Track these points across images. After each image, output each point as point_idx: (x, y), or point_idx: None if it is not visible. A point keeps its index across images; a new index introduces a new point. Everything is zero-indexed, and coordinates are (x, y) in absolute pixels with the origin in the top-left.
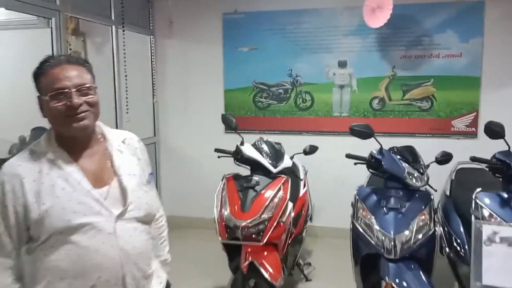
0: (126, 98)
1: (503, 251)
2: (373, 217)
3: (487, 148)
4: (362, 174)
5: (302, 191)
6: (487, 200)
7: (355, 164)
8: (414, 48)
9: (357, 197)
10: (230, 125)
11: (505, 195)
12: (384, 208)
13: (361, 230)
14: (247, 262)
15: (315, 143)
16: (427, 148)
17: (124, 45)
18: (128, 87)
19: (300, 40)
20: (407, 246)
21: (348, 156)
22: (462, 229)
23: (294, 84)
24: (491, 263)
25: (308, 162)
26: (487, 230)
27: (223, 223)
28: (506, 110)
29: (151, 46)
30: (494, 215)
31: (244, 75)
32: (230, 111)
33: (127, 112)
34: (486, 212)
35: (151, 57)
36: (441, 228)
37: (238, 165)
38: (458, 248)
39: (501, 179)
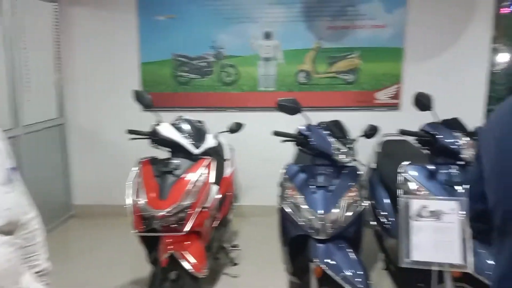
0: (27, 74)
1: (432, 225)
2: (301, 196)
3: (410, 119)
4: (291, 150)
5: (228, 172)
6: (414, 173)
7: (283, 141)
8: (340, 19)
9: (284, 175)
10: (144, 103)
11: (432, 168)
12: (313, 186)
13: (288, 211)
14: (166, 255)
15: (241, 120)
16: (353, 121)
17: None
18: (28, 62)
19: (223, 9)
20: (337, 225)
21: (276, 133)
22: (387, 202)
23: (217, 57)
24: (420, 238)
25: (234, 140)
26: (415, 204)
27: (138, 213)
28: (427, 82)
29: (55, 15)
30: (422, 188)
31: (163, 47)
32: (147, 87)
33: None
34: (413, 185)
35: (55, 27)
36: (367, 202)
37: (156, 147)
38: (384, 221)
39: (428, 151)
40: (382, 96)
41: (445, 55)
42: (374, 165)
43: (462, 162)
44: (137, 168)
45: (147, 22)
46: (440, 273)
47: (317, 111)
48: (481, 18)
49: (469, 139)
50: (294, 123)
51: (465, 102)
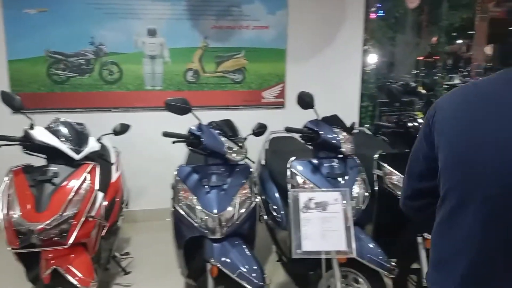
0: None
1: (318, 216)
2: (195, 197)
3: (295, 117)
4: (183, 151)
5: (114, 177)
6: (300, 168)
7: (173, 142)
8: (224, 19)
9: (177, 177)
10: (12, 105)
11: (316, 162)
12: (206, 187)
13: (182, 213)
14: (48, 271)
15: (127, 121)
16: (242, 120)
17: None
18: None
19: (102, 4)
20: (232, 223)
21: (165, 134)
22: (278, 196)
23: (97, 54)
24: (308, 229)
25: (120, 142)
26: (303, 197)
27: (13, 228)
28: (308, 81)
29: None
30: (308, 181)
31: (34, 43)
32: (16, 87)
33: None
34: (300, 179)
35: None
36: (258, 197)
37: (29, 154)
38: (275, 214)
39: (312, 146)
40: (269, 95)
41: (323, 55)
42: (263, 162)
43: (342, 155)
44: (7, 179)
45: (14, 15)
46: (328, 261)
47: (208, 111)
48: (354, 22)
49: (347, 134)
50: (185, 123)
51: (342, 99)
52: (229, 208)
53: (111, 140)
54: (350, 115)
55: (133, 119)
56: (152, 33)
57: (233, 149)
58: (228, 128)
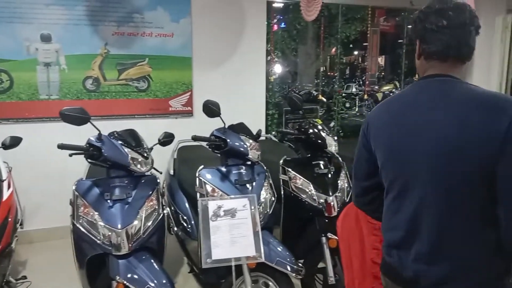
0: None
1: (227, 223)
2: (96, 213)
3: (203, 125)
4: (83, 164)
5: (6, 194)
6: (209, 176)
7: (70, 155)
8: (126, 25)
9: (76, 192)
10: None
11: (224, 169)
12: (109, 201)
13: (83, 230)
14: None
15: (19, 134)
16: (149, 129)
17: None
18: None
19: None
20: (138, 238)
21: (61, 146)
22: (187, 206)
23: None
24: (218, 237)
25: (11, 157)
26: (212, 206)
27: None
28: (215, 90)
29: None
30: (217, 189)
31: None
32: None
33: None
34: (209, 188)
35: None
36: (168, 208)
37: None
38: (185, 225)
39: (219, 154)
40: (176, 103)
41: (229, 64)
42: (172, 172)
43: (249, 162)
44: None
45: None
46: (238, 267)
47: (111, 120)
48: (257, 32)
49: (253, 141)
50: (87, 134)
51: (249, 107)
52: (135, 222)
53: (1, 155)
54: (257, 122)
55: (26, 131)
56: (46, 39)
57: (138, 160)
58: (131, 138)
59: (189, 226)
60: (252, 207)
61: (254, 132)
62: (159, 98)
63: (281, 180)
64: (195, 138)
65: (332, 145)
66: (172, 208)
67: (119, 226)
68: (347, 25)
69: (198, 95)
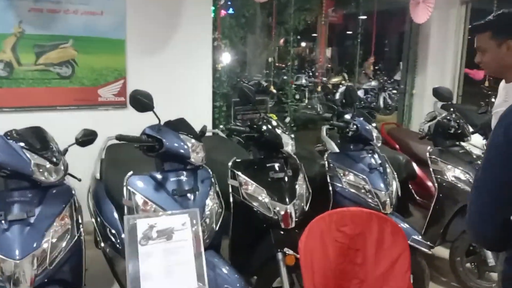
0: None
1: (162, 248)
2: None
3: (139, 118)
4: None
5: None
6: (140, 185)
7: None
8: (45, 0)
9: None
10: None
11: (159, 176)
12: (4, 222)
13: None
14: None
15: None
16: (74, 123)
17: None
18: None
19: None
20: (44, 269)
21: None
22: (116, 217)
23: None
24: (149, 266)
25: None
26: (142, 225)
27: None
28: (152, 77)
29: None
30: (149, 202)
31: None
32: None
33: None
34: (139, 200)
35: None
36: (93, 220)
37: None
38: (114, 240)
39: (154, 157)
40: (107, 93)
41: (170, 49)
42: (98, 175)
43: (192, 166)
44: None
45: None
46: None
47: (26, 112)
48: (202, 16)
49: (196, 141)
50: None
51: (193, 99)
52: (39, 249)
53: None
54: (203, 116)
55: None
56: None
57: (45, 166)
58: (36, 139)
59: (119, 241)
60: (195, 225)
61: (198, 129)
62: (86, 86)
63: (230, 185)
64: (120, 138)
65: (288, 145)
66: (99, 219)
67: (17, 255)
68: (297, 14)
69: (133, 83)
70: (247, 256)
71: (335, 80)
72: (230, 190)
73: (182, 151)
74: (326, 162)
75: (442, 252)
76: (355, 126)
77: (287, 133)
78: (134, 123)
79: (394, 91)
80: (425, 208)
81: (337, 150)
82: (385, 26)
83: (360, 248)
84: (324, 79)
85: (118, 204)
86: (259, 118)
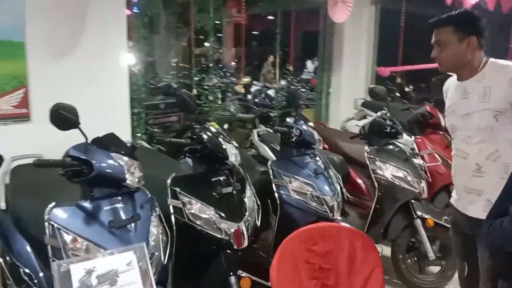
0: None
1: None
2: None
3: (46, 133)
4: None
5: None
6: (66, 218)
7: None
8: None
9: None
10: None
11: (89, 206)
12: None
13: None
14: None
15: None
16: None
17: None
18: None
19: None
20: None
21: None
22: (31, 255)
23: None
24: None
25: None
26: (78, 271)
27: None
28: (60, 84)
29: None
30: (79, 239)
31: None
32: None
33: None
34: (67, 237)
35: None
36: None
37: None
38: (30, 283)
39: (80, 184)
40: (4, 104)
41: (79, 53)
42: (3, 205)
43: (127, 189)
44: None
45: None
46: None
47: None
48: (116, 15)
49: (130, 159)
50: None
51: (108, 106)
52: None
53: None
54: (119, 126)
55: None
56: None
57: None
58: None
59: (36, 282)
60: (141, 262)
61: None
62: None
63: (170, 206)
64: (38, 164)
65: (233, 155)
66: (8, 258)
67: None
68: (202, 14)
69: (37, 92)
70: (194, 284)
71: (245, 80)
72: (171, 211)
73: (116, 173)
74: (270, 170)
75: (384, 250)
76: (298, 131)
77: (230, 142)
78: (41, 139)
79: (303, 90)
80: (358, 207)
81: (273, 156)
82: (296, 25)
83: (332, 267)
84: (234, 79)
85: (32, 238)
86: (200, 129)
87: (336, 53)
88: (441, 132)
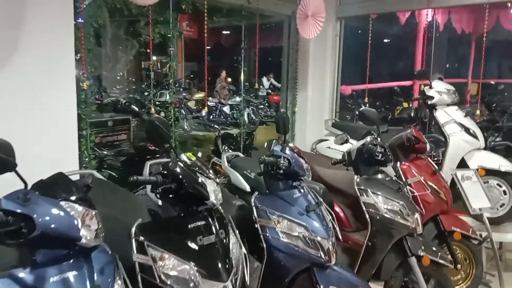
0: None
1: None
2: None
3: None
4: None
5: None
6: None
7: None
8: None
9: None
10: None
11: (30, 277)
12: None
13: None
14: None
15: None
16: None
17: None
18: None
19: None
20: None
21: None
22: None
23: None
24: None
25: None
26: None
27: None
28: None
29: None
30: None
31: None
32: None
33: None
34: None
35: None
36: None
37: None
38: None
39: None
40: None
41: (17, 66)
42: None
43: (84, 249)
44: None
45: None
46: None
47: None
48: (62, 24)
49: (85, 207)
50: None
51: (54, 130)
52: None
53: None
54: (67, 153)
55: None
56: None
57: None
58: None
59: None
60: None
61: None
62: None
63: (136, 263)
64: None
65: (213, 193)
66: None
67: None
68: (152, 27)
69: None
70: None
71: (198, 96)
72: (138, 269)
73: (67, 230)
74: (254, 208)
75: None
76: (286, 161)
77: (210, 176)
78: None
79: (261, 106)
80: (339, 240)
81: (246, 186)
82: (255, 41)
83: None
84: (186, 95)
85: None
86: (174, 162)
87: (301, 71)
88: (425, 157)
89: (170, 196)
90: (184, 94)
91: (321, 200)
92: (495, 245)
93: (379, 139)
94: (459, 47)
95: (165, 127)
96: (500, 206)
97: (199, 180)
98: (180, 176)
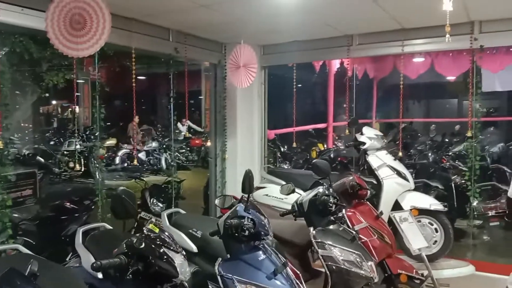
0: None
1: None
2: None
3: None
4: None
5: None
6: None
7: None
8: None
9: None
10: None
11: None
12: None
13: None
14: None
15: None
16: None
17: None
18: None
19: None
20: None
21: None
22: None
23: None
24: None
25: None
26: None
27: None
28: None
29: None
30: None
31: None
32: None
33: None
34: None
35: None
36: None
37: None
38: None
39: None
40: None
41: None
42: None
43: None
44: None
45: None
46: None
47: None
48: None
49: None
50: None
51: None
52: None
53: None
54: None
55: None
56: None
57: None
58: None
59: None
60: None
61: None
62: None
63: None
64: None
65: (181, 268)
66: None
67: None
68: (55, 72)
69: None
70: None
71: (110, 142)
72: None
73: None
74: (219, 277)
75: None
76: (251, 221)
77: (178, 250)
78: None
79: (182, 151)
80: None
81: (193, 247)
82: (172, 86)
83: None
84: (96, 141)
85: None
86: (139, 238)
87: (230, 118)
88: (365, 202)
89: (139, 278)
90: (94, 141)
91: (285, 259)
92: (436, 283)
93: (331, 189)
94: (364, 91)
95: (131, 200)
96: (433, 244)
97: (167, 256)
98: (147, 255)
